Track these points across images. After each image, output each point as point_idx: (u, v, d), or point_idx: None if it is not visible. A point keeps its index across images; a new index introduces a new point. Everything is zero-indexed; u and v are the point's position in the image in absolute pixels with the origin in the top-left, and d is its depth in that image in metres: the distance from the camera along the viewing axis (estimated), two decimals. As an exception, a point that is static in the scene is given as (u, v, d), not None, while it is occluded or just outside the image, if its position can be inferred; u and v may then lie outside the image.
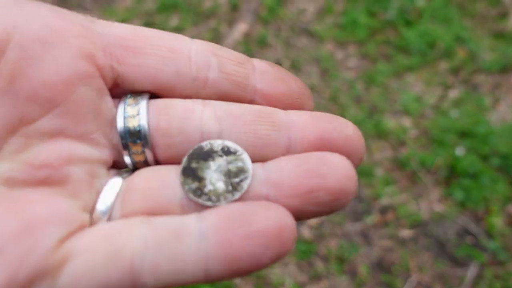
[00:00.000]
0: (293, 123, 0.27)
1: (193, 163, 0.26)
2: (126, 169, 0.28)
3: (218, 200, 0.25)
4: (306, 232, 1.06)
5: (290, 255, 1.02)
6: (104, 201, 0.25)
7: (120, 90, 0.28)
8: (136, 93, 0.28)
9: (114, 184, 0.26)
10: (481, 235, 1.06)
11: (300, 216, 0.25)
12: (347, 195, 0.25)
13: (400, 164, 1.17)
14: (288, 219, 0.23)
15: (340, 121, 0.28)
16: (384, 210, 1.10)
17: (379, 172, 1.15)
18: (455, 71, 1.35)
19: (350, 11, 1.48)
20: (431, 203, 1.11)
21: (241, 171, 0.26)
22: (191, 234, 0.23)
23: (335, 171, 0.25)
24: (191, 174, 0.26)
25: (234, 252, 0.23)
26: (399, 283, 1.00)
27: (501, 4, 1.46)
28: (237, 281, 0.98)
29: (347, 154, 0.26)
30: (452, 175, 1.14)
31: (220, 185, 0.26)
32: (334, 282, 1.00)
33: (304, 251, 1.03)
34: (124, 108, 0.27)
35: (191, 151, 0.26)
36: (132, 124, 0.26)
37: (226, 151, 0.26)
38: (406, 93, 1.30)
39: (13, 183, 0.24)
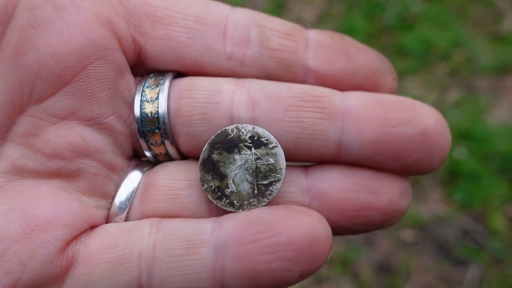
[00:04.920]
0: (349, 110, 0.21)
1: (214, 153, 0.22)
2: (147, 158, 0.24)
3: (242, 206, 0.21)
4: (309, 236, 1.07)
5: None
6: (121, 198, 0.22)
7: (145, 69, 0.24)
8: (160, 72, 0.23)
9: (134, 179, 0.23)
10: (482, 235, 1.06)
11: (340, 232, 0.22)
12: (400, 215, 0.22)
13: (400, 167, 1.18)
14: (322, 228, 0.19)
15: (417, 109, 0.21)
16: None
17: (380, 175, 1.17)
18: (453, 73, 1.36)
19: (348, 17, 1.51)
20: (432, 204, 1.12)
21: (271, 170, 0.21)
22: (206, 244, 0.20)
23: (390, 188, 0.21)
24: (212, 168, 0.22)
25: (255, 267, 0.19)
26: (401, 284, 1.01)
27: (496, 7, 1.48)
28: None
29: (424, 154, 0.21)
30: (452, 176, 1.16)
31: (245, 187, 0.21)
32: (337, 284, 1.01)
33: (307, 254, 1.04)
34: (143, 90, 0.22)
35: (213, 137, 0.22)
36: (150, 110, 0.22)
37: (256, 141, 0.21)
38: (405, 96, 1.31)
39: (24, 172, 0.21)
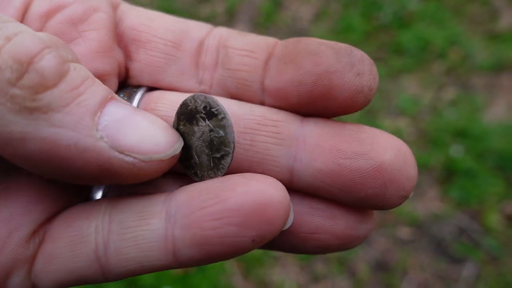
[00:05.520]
0: (304, 138, 0.21)
1: (181, 125, 0.22)
2: None
3: (203, 177, 0.22)
4: (306, 234, 1.07)
5: (290, 257, 1.03)
6: (97, 191, 0.24)
7: (124, 84, 0.25)
8: (136, 86, 0.25)
9: None
10: (478, 233, 1.07)
11: (296, 252, 0.22)
12: (358, 240, 0.21)
13: (397, 165, 1.18)
14: (275, 192, 0.19)
15: (377, 141, 0.20)
16: (381, 211, 1.11)
17: (377, 173, 1.17)
18: (449, 71, 1.37)
19: (345, 15, 1.51)
20: (428, 202, 1.13)
21: (222, 143, 0.21)
22: (157, 215, 0.20)
23: (348, 213, 0.21)
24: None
25: (204, 233, 0.19)
26: (397, 282, 1.01)
27: (492, 5, 1.48)
28: (238, 282, 0.99)
29: (377, 189, 0.20)
30: (448, 174, 1.16)
31: (204, 159, 0.22)
32: (334, 282, 1.01)
33: (304, 252, 1.04)
34: None
35: (178, 108, 0.22)
36: None
37: (209, 112, 0.21)
38: (402, 94, 1.31)
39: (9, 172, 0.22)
